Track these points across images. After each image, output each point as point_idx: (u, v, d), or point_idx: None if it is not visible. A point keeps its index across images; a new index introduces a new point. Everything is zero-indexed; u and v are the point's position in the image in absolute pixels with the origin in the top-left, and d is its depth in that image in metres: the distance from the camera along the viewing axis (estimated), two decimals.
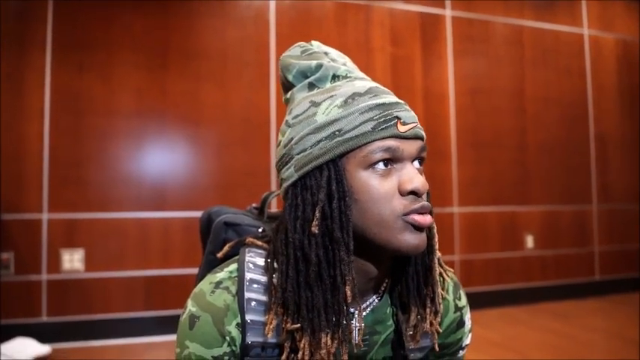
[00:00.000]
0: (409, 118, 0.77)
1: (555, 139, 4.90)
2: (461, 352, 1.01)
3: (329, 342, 0.75)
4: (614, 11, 5.27)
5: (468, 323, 1.00)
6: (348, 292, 0.75)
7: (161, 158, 3.72)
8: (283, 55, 0.92)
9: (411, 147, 0.77)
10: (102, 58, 3.63)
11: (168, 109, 3.74)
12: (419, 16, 4.47)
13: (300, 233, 0.77)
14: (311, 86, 0.85)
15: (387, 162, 0.75)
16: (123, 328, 3.54)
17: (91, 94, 3.59)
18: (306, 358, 0.75)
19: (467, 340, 1.01)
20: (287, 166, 0.80)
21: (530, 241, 4.72)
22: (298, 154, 0.78)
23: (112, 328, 3.52)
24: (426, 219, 0.75)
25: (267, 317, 0.78)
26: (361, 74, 0.88)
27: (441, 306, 0.87)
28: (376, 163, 0.74)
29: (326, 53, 0.90)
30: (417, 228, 0.75)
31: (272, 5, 4.03)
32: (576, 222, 4.95)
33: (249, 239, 0.89)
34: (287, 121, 0.83)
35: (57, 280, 3.45)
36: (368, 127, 0.74)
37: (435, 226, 0.86)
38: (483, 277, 4.52)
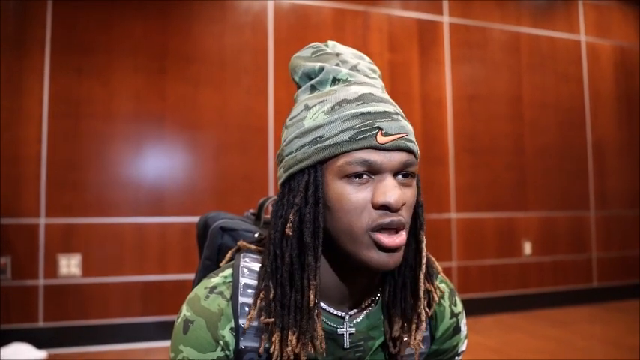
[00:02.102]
0: (394, 129, 0.74)
1: (552, 146, 4.91)
2: (456, 358, 1.01)
3: (294, 341, 0.75)
4: (610, 18, 5.30)
5: (464, 329, 1.00)
6: (311, 297, 0.75)
7: (159, 163, 3.73)
8: (294, 55, 0.91)
9: (392, 160, 0.74)
10: (101, 62, 3.63)
11: (166, 113, 3.74)
12: (416, 23, 4.48)
13: (280, 232, 0.78)
14: (312, 89, 0.84)
15: (364, 174, 0.74)
16: (120, 333, 3.53)
17: (90, 97, 3.59)
18: (276, 352, 0.76)
19: (463, 347, 1.01)
20: (279, 167, 0.82)
21: (527, 248, 4.72)
22: (287, 155, 0.79)
23: (109, 334, 3.51)
24: (393, 240, 0.73)
25: (250, 310, 0.80)
26: (365, 78, 0.84)
27: (423, 324, 0.86)
28: (352, 174, 0.73)
29: (338, 54, 0.88)
30: (385, 249, 0.74)
31: (270, 11, 4.04)
32: (574, 228, 4.95)
33: (242, 243, 0.89)
34: (286, 121, 0.84)
35: (54, 285, 3.45)
36: (346, 136, 0.73)
37: (424, 239, 0.84)
38: (480, 283, 4.52)
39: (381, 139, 0.73)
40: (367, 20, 4.33)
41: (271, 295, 0.77)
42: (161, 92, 3.75)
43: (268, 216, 1.12)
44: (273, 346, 0.76)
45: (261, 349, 0.78)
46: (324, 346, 0.78)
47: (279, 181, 0.82)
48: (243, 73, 3.95)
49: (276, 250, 0.78)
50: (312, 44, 0.91)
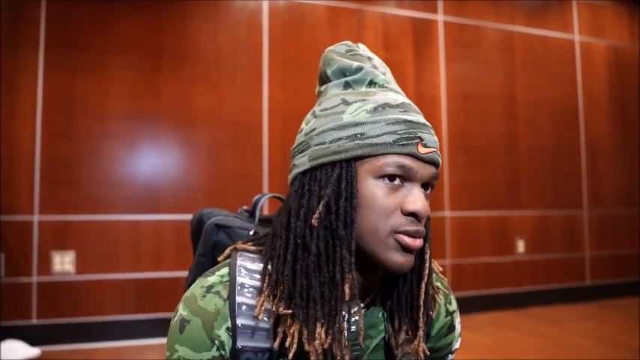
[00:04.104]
0: (431, 142, 0.77)
1: (546, 145, 4.93)
2: (450, 356, 1.02)
3: (323, 334, 0.75)
4: (604, 17, 5.32)
5: (458, 327, 1.01)
6: (347, 291, 0.75)
7: (153, 161, 3.72)
8: (328, 49, 0.92)
9: (425, 171, 0.77)
10: (95, 60, 3.62)
11: (160, 111, 3.74)
12: (411, 21, 4.49)
13: (303, 222, 0.78)
14: (347, 85, 0.85)
15: (397, 178, 0.75)
16: (114, 330, 3.53)
17: (84, 95, 3.58)
18: (295, 346, 0.75)
19: (457, 345, 1.02)
20: (302, 154, 0.81)
21: (521, 246, 4.74)
22: (316, 145, 0.79)
23: (103, 331, 3.51)
24: (415, 242, 0.76)
25: (257, 299, 0.79)
26: (397, 87, 0.88)
27: (424, 329, 0.86)
28: (387, 176, 0.75)
29: (369, 58, 0.90)
30: (406, 249, 0.76)
31: (265, 9, 4.04)
32: (567, 227, 4.97)
33: (240, 245, 0.89)
34: (314, 111, 0.84)
35: (47, 283, 3.43)
36: (390, 139, 0.75)
37: (428, 251, 0.85)
38: (474, 281, 4.53)
39: (421, 149, 0.76)
40: (362, 19, 4.33)
41: (291, 286, 0.77)
42: (155, 90, 3.74)
43: (264, 213, 1.12)
44: (290, 339, 0.75)
45: (277, 344, 0.77)
46: (347, 343, 0.79)
47: (299, 169, 0.81)
48: (238, 71, 3.94)
49: (297, 240, 0.78)
50: (345, 42, 0.92)
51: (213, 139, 3.84)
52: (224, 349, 0.79)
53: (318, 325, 0.75)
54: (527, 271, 4.76)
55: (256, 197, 1.14)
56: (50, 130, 3.50)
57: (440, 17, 4.59)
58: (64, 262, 3.46)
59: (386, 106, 0.78)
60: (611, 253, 5.14)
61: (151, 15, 3.76)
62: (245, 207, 1.20)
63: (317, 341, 0.75)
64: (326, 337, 0.75)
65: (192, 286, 0.84)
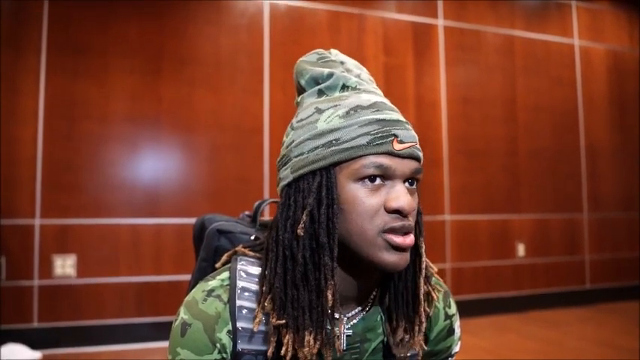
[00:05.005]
0: (407, 138, 0.78)
1: (546, 148, 4.94)
2: (450, 359, 1.02)
3: (312, 341, 0.76)
4: (604, 22, 5.33)
5: (458, 331, 1.01)
6: (329, 297, 0.76)
7: (154, 164, 3.73)
8: (300, 59, 0.93)
9: (405, 167, 0.77)
10: (96, 63, 3.63)
11: (162, 114, 3.75)
12: (411, 26, 4.50)
13: (290, 233, 0.79)
14: (320, 93, 0.86)
15: (377, 178, 0.76)
16: (115, 334, 3.53)
17: (85, 98, 3.59)
18: (289, 354, 0.76)
19: (456, 348, 1.02)
20: (285, 167, 0.82)
21: (521, 250, 4.74)
22: (296, 156, 0.80)
23: (104, 334, 3.51)
24: (405, 240, 0.76)
25: (256, 310, 0.80)
26: (372, 87, 0.88)
27: (424, 325, 0.87)
28: (366, 177, 0.75)
29: (342, 62, 0.91)
30: (397, 247, 0.76)
31: (266, 12, 4.05)
32: (567, 230, 4.98)
33: (240, 249, 0.90)
34: (292, 123, 0.85)
35: (48, 286, 3.44)
36: (363, 140, 0.75)
37: (423, 245, 0.86)
38: (474, 284, 4.53)
39: (397, 145, 0.76)
40: (362, 23, 4.34)
41: (283, 297, 0.78)
42: (156, 94, 3.75)
43: (264, 218, 1.13)
44: (285, 348, 0.76)
45: (270, 352, 0.78)
46: (342, 347, 0.80)
47: (284, 182, 0.82)
48: (239, 74, 3.95)
49: (285, 252, 0.79)
50: (317, 50, 0.93)
51: (214, 142, 3.85)
52: (225, 352, 0.80)
53: (307, 333, 0.76)
54: (527, 275, 4.77)
55: (257, 202, 1.15)
56: (51, 133, 3.51)
57: (440, 21, 4.60)
58: (65, 266, 3.47)
59: (358, 108, 0.79)
60: (610, 256, 5.15)
61: (153, 18, 3.78)
62: (247, 212, 1.21)
63: (306, 349, 0.76)
64: (315, 344, 0.76)
65: (193, 290, 0.85)
